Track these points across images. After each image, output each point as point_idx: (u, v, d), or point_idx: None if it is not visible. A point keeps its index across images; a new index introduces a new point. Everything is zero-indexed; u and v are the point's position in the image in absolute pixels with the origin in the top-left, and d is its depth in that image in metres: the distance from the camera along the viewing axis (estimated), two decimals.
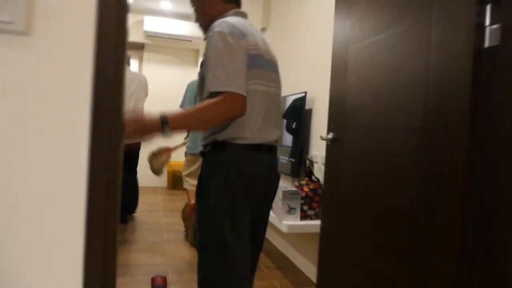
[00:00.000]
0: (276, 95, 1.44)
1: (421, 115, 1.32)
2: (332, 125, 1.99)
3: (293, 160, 2.72)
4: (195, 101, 2.83)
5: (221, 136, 1.31)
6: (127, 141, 1.11)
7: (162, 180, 5.68)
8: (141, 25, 5.41)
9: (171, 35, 5.34)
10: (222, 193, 1.30)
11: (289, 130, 2.84)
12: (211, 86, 1.24)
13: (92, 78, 0.60)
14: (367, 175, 1.65)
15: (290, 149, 2.80)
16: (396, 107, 1.46)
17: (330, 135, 1.95)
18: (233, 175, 1.30)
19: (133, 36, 5.55)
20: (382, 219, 1.52)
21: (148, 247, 3.04)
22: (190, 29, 5.28)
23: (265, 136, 1.36)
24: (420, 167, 1.31)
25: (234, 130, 1.29)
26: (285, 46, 3.33)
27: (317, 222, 2.26)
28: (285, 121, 2.93)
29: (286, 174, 2.91)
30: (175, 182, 5.56)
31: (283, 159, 2.88)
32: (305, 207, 2.38)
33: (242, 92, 1.24)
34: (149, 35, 5.41)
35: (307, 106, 2.69)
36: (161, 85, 5.67)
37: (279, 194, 2.37)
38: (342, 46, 1.90)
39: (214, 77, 1.23)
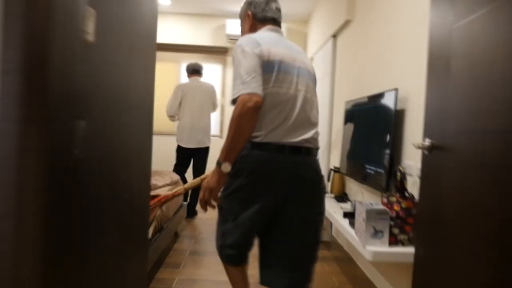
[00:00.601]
0: (303, 98, 1.52)
1: None
2: (430, 129, 1.54)
3: (381, 171, 2.27)
4: None
5: None
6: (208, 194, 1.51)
7: None
8: (224, 29, 5.36)
9: None
10: (234, 182, 1.50)
11: (376, 134, 2.40)
12: (232, 95, 1.43)
13: None
14: (482, 195, 1.18)
15: (377, 157, 2.35)
16: None
17: (427, 142, 1.50)
18: (245, 169, 1.46)
19: (216, 40, 5.53)
20: (507, 262, 1.05)
21: (219, 261, 2.84)
22: None
23: (287, 137, 1.46)
24: None
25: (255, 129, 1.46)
26: (373, 38, 2.88)
27: (411, 250, 1.82)
28: (369, 124, 2.49)
29: (373, 188, 2.47)
30: None
31: (369, 169, 2.44)
32: (396, 230, 1.93)
33: (250, 90, 1.36)
34: (231, 38, 5.33)
35: (398, 106, 2.23)
36: None
37: (362, 213, 1.96)
38: (442, 24, 1.45)
39: (234, 86, 1.42)
